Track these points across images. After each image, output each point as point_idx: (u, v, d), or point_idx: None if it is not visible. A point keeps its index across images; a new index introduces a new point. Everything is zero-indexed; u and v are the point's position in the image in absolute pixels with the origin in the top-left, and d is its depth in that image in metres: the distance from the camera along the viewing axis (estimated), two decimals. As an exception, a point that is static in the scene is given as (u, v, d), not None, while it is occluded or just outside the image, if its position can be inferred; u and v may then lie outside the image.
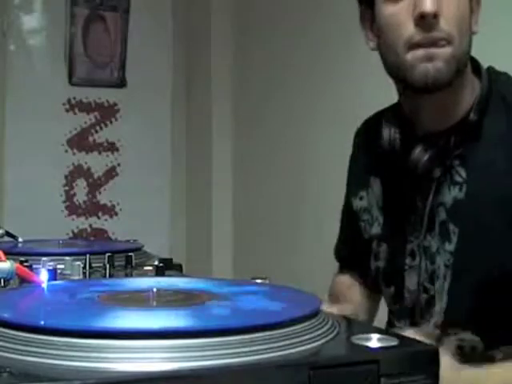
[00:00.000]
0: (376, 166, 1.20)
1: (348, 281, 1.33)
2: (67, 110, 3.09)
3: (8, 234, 1.45)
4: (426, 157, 1.07)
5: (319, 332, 0.66)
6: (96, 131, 3.14)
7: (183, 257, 2.81)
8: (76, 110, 3.11)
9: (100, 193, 3.11)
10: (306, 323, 0.66)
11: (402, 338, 0.66)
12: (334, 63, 2.30)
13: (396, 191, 1.16)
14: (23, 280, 0.93)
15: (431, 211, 1.09)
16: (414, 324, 1.12)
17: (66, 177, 3.07)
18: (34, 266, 0.98)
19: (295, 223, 2.51)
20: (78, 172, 3.09)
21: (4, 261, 0.94)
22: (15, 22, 3.01)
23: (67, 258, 1.09)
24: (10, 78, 2.98)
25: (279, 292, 0.85)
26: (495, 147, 1.05)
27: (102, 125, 3.15)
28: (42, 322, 0.62)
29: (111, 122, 3.16)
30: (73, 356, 0.57)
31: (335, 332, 0.69)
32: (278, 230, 2.60)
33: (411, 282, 1.13)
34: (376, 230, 1.20)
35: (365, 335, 0.66)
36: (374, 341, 0.65)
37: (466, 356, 0.98)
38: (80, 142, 3.10)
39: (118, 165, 3.15)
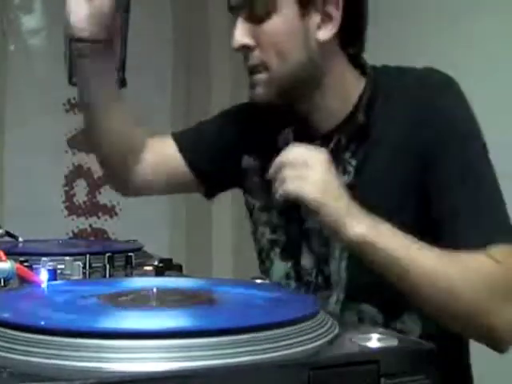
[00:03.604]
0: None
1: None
2: (67, 110, 3.09)
3: (8, 233, 1.45)
4: None
5: (319, 332, 0.66)
6: (96, 131, 3.14)
7: (183, 257, 2.81)
8: (76, 110, 3.10)
9: (100, 193, 3.11)
10: (306, 323, 0.66)
11: (401, 338, 0.66)
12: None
13: None
14: (23, 280, 0.93)
15: None
16: None
17: (65, 177, 3.07)
18: (34, 266, 0.98)
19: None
20: (78, 172, 3.09)
21: (4, 261, 0.94)
22: (15, 22, 3.01)
23: (67, 258, 1.09)
24: (10, 78, 2.98)
25: (279, 292, 0.85)
26: (381, 145, 1.08)
27: (102, 125, 3.15)
28: (43, 322, 0.62)
29: (111, 122, 3.16)
30: (73, 356, 0.57)
31: (335, 332, 0.69)
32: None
33: (307, 262, 1.14)
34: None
35: (365, 335, 0.66)
36: (374, 341, 0.65)
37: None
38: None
39: (118, 165, 3.15)
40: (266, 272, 1.20)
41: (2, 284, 0.92)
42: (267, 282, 0.92)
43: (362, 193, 1.03)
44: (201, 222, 3.09)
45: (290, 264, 1.16)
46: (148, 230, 2.73)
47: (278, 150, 1.03)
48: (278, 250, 1.18)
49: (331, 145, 1.09)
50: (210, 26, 3.05)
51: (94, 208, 3.10)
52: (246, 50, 1.09)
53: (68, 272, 1.05)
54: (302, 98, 1.11)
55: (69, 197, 3.06)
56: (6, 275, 0.92)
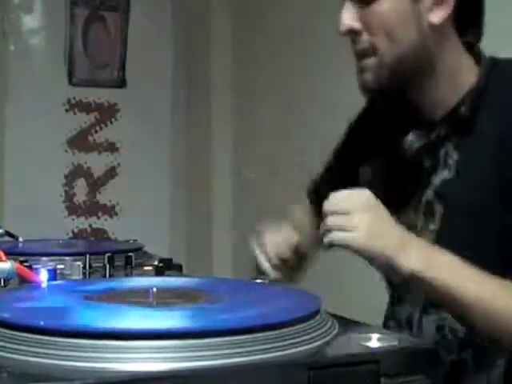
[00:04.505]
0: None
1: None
2: (67, 110, 3.09)
3: (8, 233, 1.45)
4: (416, 145, 1.08)
5: (319, 332, 0.66)
6: (96, 131, 3.14)
7: (183, 257, 2.81)
8: (76, 110, 3.10)
9: (100, 193, 3.11)
10: (306, 323, 0.66)
11: (401, 338, 0.66)
12: (333, 55, 2.30)
13: (389, 174, 1.16)
14: (23, 280, 0.93)
15: (420, 193, 1.09)
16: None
17: (66, 177, 3.07)
18: (34, 266, 0.98)
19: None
20: (78, 172, 3.09)
21: (4, 261, 0.94)
22: (15, 22, 3.01)
23: (67, 258, 1.09)
24: (10, 78, 2.98)
25: (279, 292, 0.85)
26: (486, 141, 1.04)
27: (102, 125, 3.15)
28: (42, 323, 0.62)
29: (111, 122, 3.16)
30: (73, 356, 0.57)
31: (335, 332, 0.69)
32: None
33: None
34: None
35: (365, 335, 0.66)
36: (374, 341, 0.65)
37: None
38: (80, 142, 3.10)
39: (118, 165, 3.14)
40: None
41: (2, 284, 0.92)
42: (267, 281, 0.92)
43: (462, 189, 1.02)
44: (201, 222, 3.09)
45: None
46: (148, 230, 2.73)
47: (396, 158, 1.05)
48: None
49: (433, 135, 1.07)
50: (210, 26, 3.05)
51: (93, 208, 3.10)
52: (353, 33, 1.04)
53: (68, 272, 1.05)
54: (412, 84, 1.07)
55: (69, 197, 3.06)
56: (6, 275, 0.92)
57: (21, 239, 1.45)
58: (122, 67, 3.18)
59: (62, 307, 0.75)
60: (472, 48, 1.08)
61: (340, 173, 1.29)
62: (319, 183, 1.35)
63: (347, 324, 0.74)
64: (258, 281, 0.91)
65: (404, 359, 0.64)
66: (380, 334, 0.67)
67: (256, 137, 2.84)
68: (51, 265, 0.99)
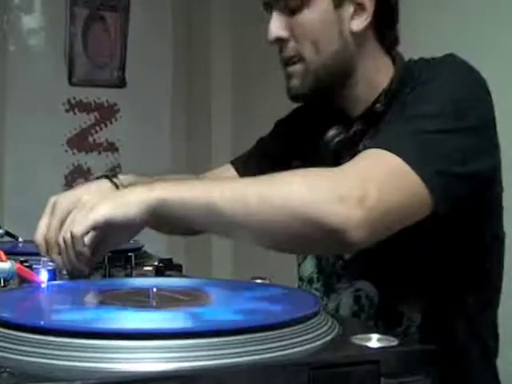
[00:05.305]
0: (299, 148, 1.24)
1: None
2: (67, 110, 3.09)
3: (8, 234, 1.46)
4: (336, 140, 1.13)
5: (319, 332, 0.66)
6: (96, 131, 3.14)
7: (183, 257, 2.81)
8: (76, 110, 3.11)
9: (100, 193, 3.11)
10: (306, 323, 0.66)
11: (402, 338, 0.66)
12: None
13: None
14: (23, 280, 0.93)
15: None
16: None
17: (65, 177, 3.07)
18: (34, 266, 0.98)
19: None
20: (78, 172, 3.09)
21: (4, 261, 0.94)
22: (15, 22, 3.02)
23: (67, 258, 1.08)
24: (10, 78, 2.98)
25: (279, 292, 0.85)
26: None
27: (102, 125, 3.15)
28: (42, 322, 0.62)
29: (111, 122, 3.17)
30: (73, 356, 0.57)
31: (335, 332, 0.69)
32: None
33: None
34: None
35: (365, 335, 0.66)
36: (374, 341, 0.65)
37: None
38: (80, 142, 3.10)
39: (118, 165, 3.15)
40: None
41: (2, 284, 0.92)
42: (267, 281, 0.91)
43: None
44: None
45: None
46: (148, 230, 2.73)
47: (320, 152, 1.07)
48: None
49: (351, 130, 1.12)
50: (210, 25, 3.05)
51: (93, 208, 3.09)
52: (281, 42, 1.10)
53: (68, 272, 1.05)
54: (334, 85, 1.12)
55: (69, 197, 3.06)
56: (6, 275, 0.92)
57: (21, 239, 1.45)
58: (122, 67, 3.18)
59: (62, 307, 0.75)
60: (390, 50, 1.15)
61: (260, 161, 1.32)
62: (238, 161, 1.37)
63: (347, 324, 0.74)
64: (258, 281, 0.91)
65: (404, 359, 0.64)
66: (380, 334, 0.67)
67: (256, 137, 2.83)
68: (51, 265, 0.99)
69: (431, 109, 0.99)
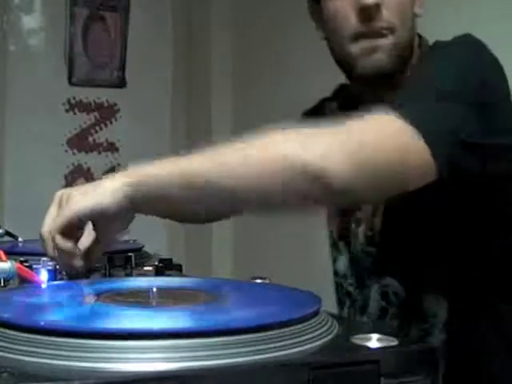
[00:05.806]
0: None
1: None
2: (67, 110, 3.09)
3: (8, 233, 1.45)
4: None
5: (319, 332, 0.66)
6: (96, 131, 3.14)
7: (183, 257, 2.81)
8: (76, 110, 3.10)
9: (100, 193, 3.11)
10: (306, 323, 0.66)
11: (402, 338, 0.66)
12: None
13: None
14: (23, 280, 0.93)
15: None
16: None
17: (65, 177, 3.07)
18: (34, 266, 0.98)
19: (296, 223, 2.51)
20: (78, 172, 3.09)
21: (4, 261, 0.94)
22: (15, 22, 3.01)
23: (67, 258, 1.08)
24: (10, 77, 2.98)
25: (279, 292, 0.85)
26: None
27: (102, 125, 3.15)
28: (42, 323, 0.62)
29: (111, 122, 3.16)
30: (73, 356, 0.57)
31: (335, 332, 0.69)
32: (279, 229, 2.60)
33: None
34: None
35: (365, 335, 0.66)
36: (374, 341, 0.65)
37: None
38: (80, 142, 3.10)
39: (118, 165, 3.14)
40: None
41: (2, 284, 0.92)
42: (267, 281, 0.91)
43: None
44: (201, 222, 3.08)
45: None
46: (148, 230, 2.73)
47: None
48: None
49: None
50: (210, 25, 3.05)
51: (93, 208, 3.09)
52: (376, 8, 1.06)
53: (68, 272, 1.05)
54: (397, 71, 1.10)
55: (69, 197, 3.06)
56: (6, 275, 0.92)
57: (21, 239, 1.45)
58: (122, 67, 3.18)
59: (62, 307, 0.75)
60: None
61: None
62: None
63: (347, 324, 0.74)
64: (258, 281, 0.91)
65: (404, 359, 0.64)
66: (380, 334, 0.67)
67: (256, 137, 2.83)
68: (51, 265, 0.99)
69: (445, 82, 0.99)
